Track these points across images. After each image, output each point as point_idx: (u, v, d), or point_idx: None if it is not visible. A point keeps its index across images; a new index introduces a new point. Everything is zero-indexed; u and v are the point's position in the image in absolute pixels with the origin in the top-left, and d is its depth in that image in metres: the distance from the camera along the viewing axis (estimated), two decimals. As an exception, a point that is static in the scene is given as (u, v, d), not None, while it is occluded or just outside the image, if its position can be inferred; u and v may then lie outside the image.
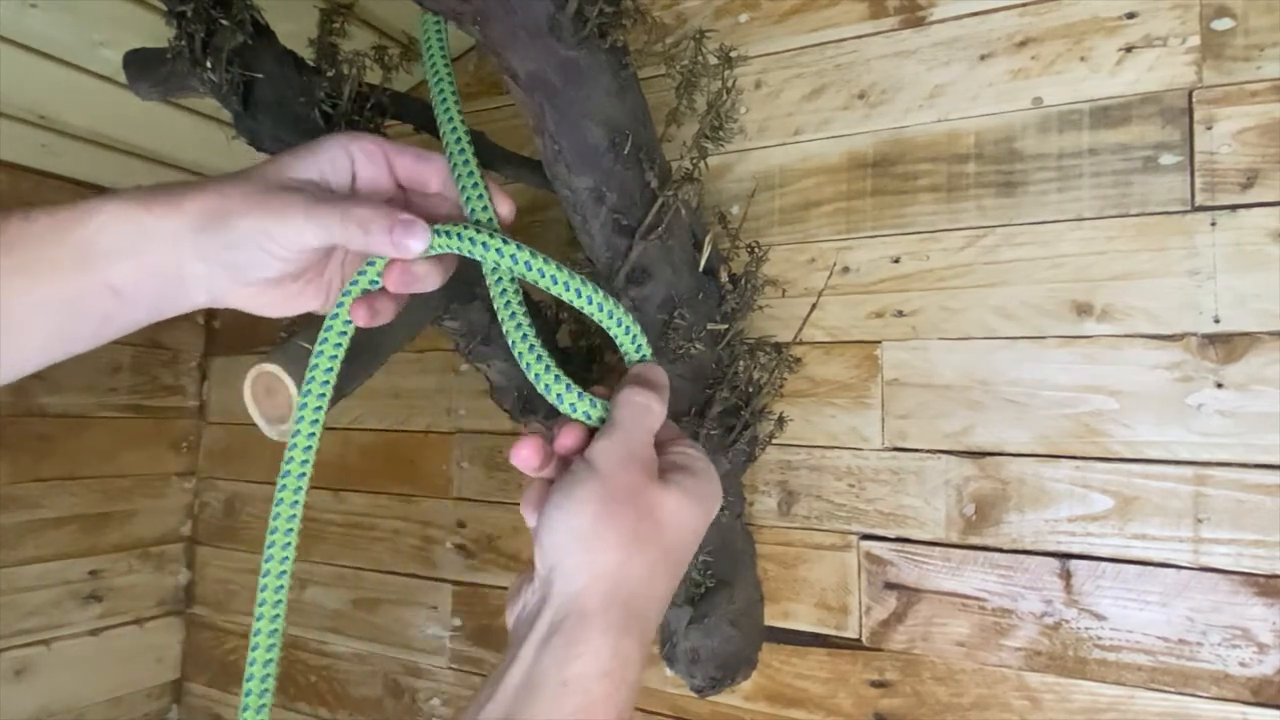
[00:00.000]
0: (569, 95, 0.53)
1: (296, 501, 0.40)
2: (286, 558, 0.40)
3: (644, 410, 0.37)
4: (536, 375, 0.38)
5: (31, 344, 0.36)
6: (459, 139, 0.43)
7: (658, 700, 0.87)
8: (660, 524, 0.34)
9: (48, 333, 0.36)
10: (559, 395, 0.37)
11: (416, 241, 0.38)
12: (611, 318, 0.39)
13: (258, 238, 0.37)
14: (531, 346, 0.38)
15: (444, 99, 0.45)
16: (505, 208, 0.42)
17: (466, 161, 0.42)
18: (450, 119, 0.44)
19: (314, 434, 0.40)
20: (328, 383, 0.40)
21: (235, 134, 0.65)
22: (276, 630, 0.40)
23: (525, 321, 0.39)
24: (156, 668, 1.28)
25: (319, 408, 0.40)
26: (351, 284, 0.40)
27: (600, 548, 0.32)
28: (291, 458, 0.39)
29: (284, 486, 0.40)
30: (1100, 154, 0.70)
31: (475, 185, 0.41)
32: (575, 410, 0.37)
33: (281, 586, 0.41)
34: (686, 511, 0.35)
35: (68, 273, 0.35)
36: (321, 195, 0.39)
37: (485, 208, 0.41)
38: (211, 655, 1.27)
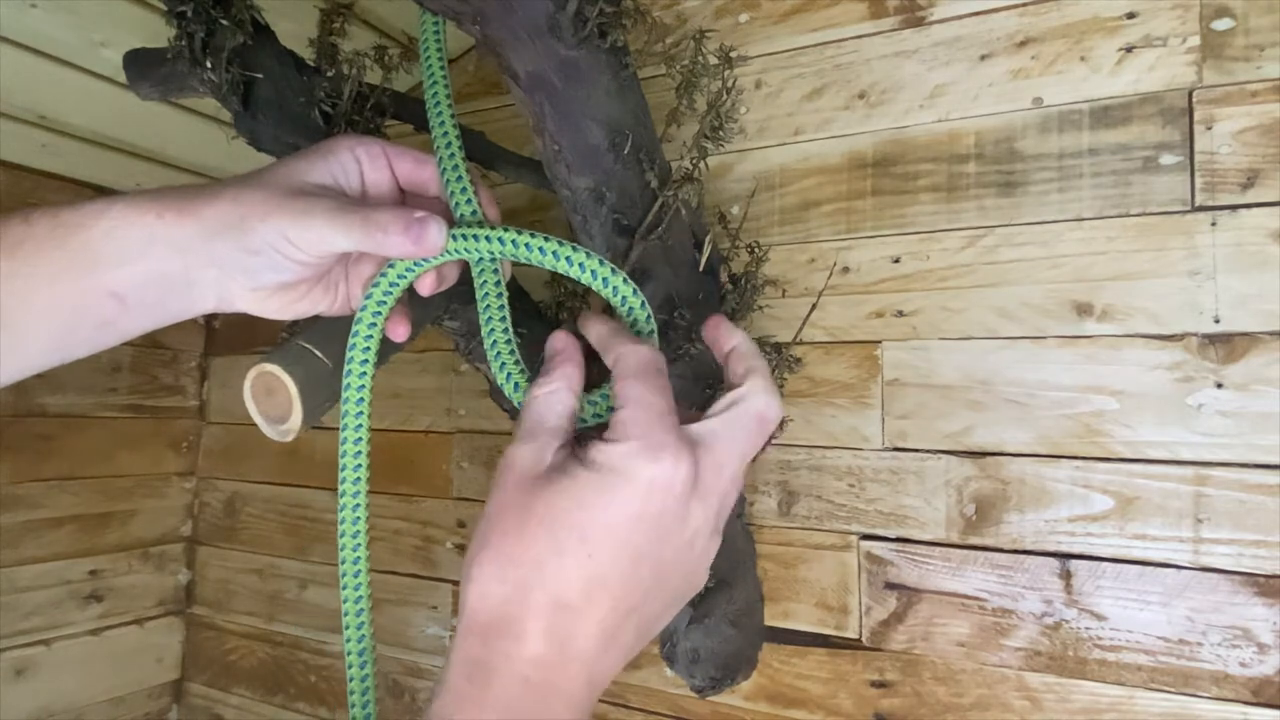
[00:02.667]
0: (569, 95, 0.53)
1: (359, 505, 0.41)
2: (359, 558, 0.41)
3: (529, 404, 0.34)
4: (501, 384, 0.38)
5: (30, 348, 0.35)
6: (449, 142, 0.43)
7: (658, 700, 0.87)
8: (527, 535, 0.30)
9: (46, 337, 0.35)
10: (519, 403, 0.37)
11: (434, 240, 0.38)
12: (606, 285, 0.39)
13: (277, 242, 0.36)
14: (499, 355, 0.39)
15: (437, 101, 0.45)
16: (492, 211, 0.43)
17: (456, 166, 0.43)
18: (442, 122, 0.44)
19: (361, 438, 0.41)
20: (364, 387, 0.41)
21: (235, 134, 0.65)
22: (365, 636, 0.41)
23: (500, 328, 0.40)
24: (157, 668, 1.28)
25: (359, 421, 0.41)
26: (374, 286, 0.41)
27: (466, 582, 0.31)
28: (345, 465, 0.41)
29: (344, 493, 0.41)
30: (1100, 154, 0.70)
31: (464, 190, 0.42)
32: None
33: (361, 597, 0.41)
34: (567, 512, 0.30)
35: (68, 277, 0.34)
36: (341, 200, 0.39)
37: (474, 211, 0.41)
38: (212, 655, 1.27)
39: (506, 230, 0.39)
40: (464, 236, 0.40)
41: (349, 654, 0.41)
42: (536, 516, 0.30)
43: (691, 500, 0.31)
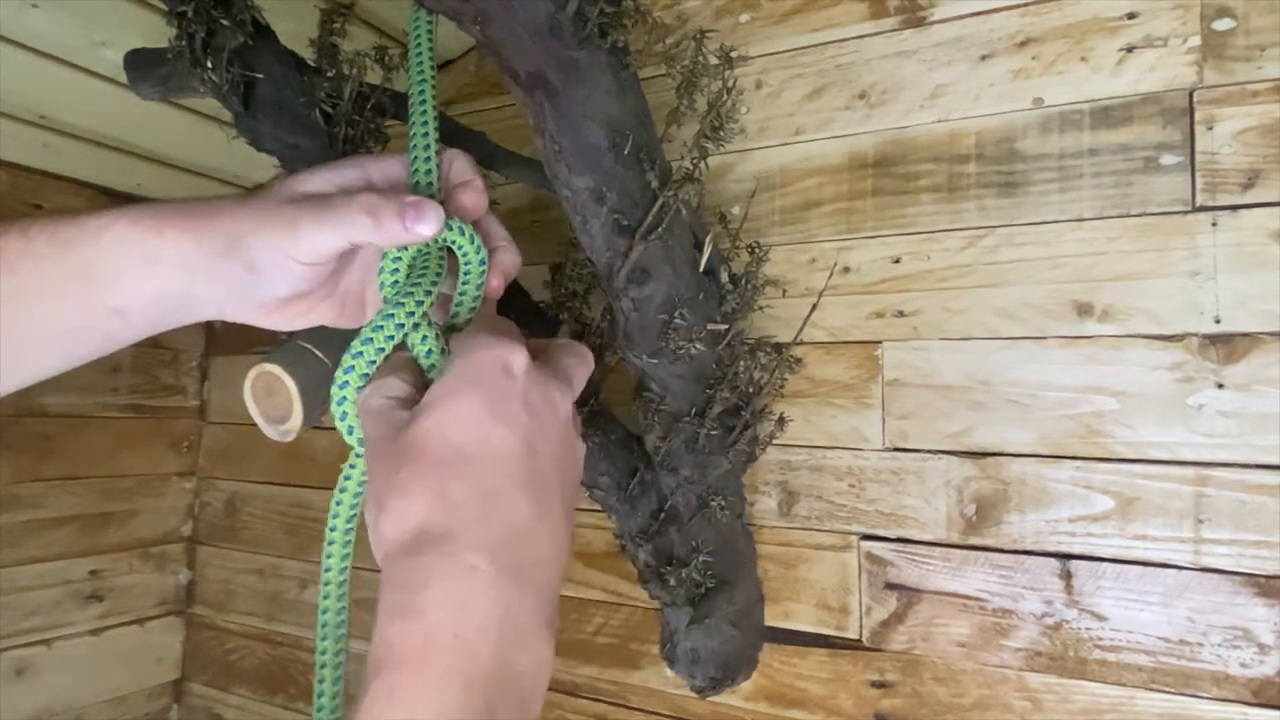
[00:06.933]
0: (569, 95, 0.53)
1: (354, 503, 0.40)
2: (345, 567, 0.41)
3: (375, 388, 0.36)
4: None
5: (30, 362, 0.35)
6: (425, 121, 0.43)
7: (658, 700, 0.87)
8: (418, 454, 0.31)
9: (48, 351, 0.35)
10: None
11: (427, 225, 0.37)
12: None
13: (273, 256, 0.36)
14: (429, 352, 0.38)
15: (423, 97, 0.45)
16: (471, 198, 0.42)
17: (426, 134, 0.42)
18: (424, 101, 0.44)
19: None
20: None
21: (236, 134, 0.65)
22: (342, 634, 0.41)
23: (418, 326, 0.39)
24: (157, 667, 1.28)
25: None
26: (457, 299, 0.40)
27: (378, 532, 0.31)
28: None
29: (343, 489, 0.40)
30: (1101, 154, 0.70)
31: (429, 161, 0.41)
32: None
33: (344, 595, 0.41)
34: (443, 416, 0.32)
35: (71, 295, 0.34)
36: (327, 198, 0.38)
37: (430, 184, 0.41)
38: (212, 655, 1.27)
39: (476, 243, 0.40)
40: (457, 229, 0.40)
41: (322, 657, 0.41)
42: (418, 438, 0.32)
43: (543, 383, 0.35)
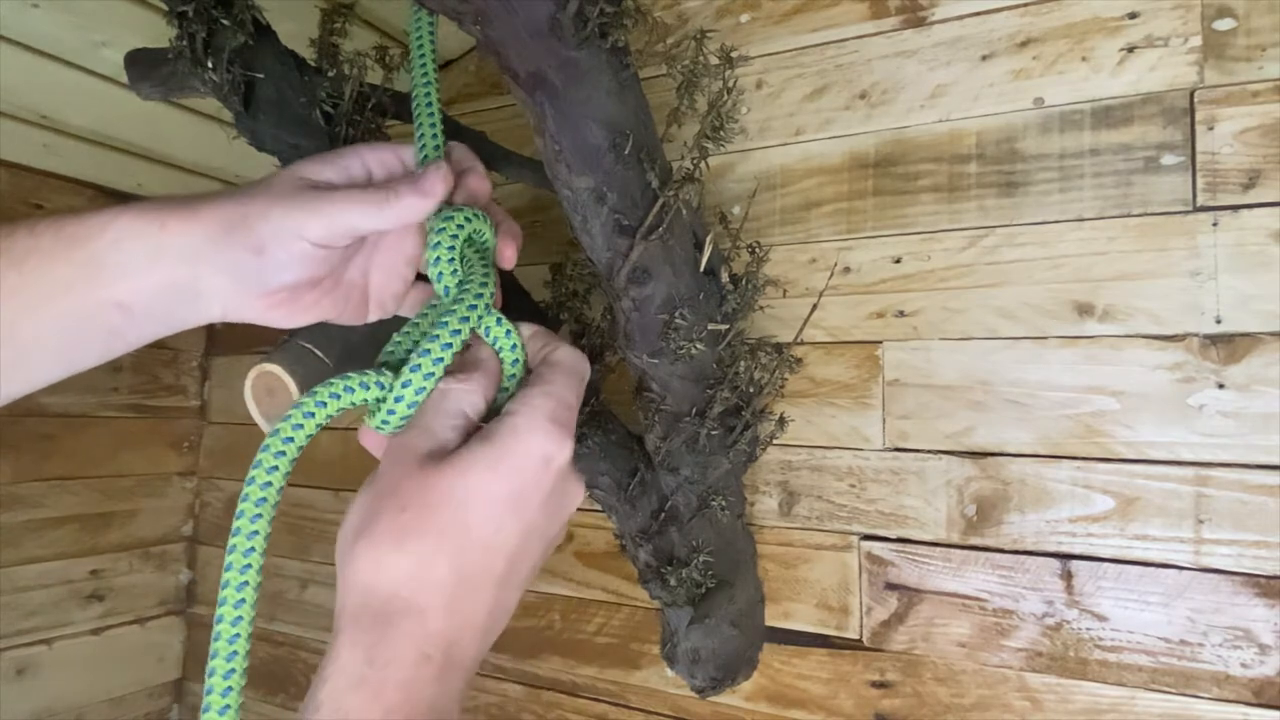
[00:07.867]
0: (570, 95, 0.53)
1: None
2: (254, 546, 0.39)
3: (440, 394, 0.35)
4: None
5: (37, 362, 0.35)
6: (434, 122, 0.45)
7: (658, 700, 0.87)
8: (430, 507, 0.31)
9: (53, 349, 0.35)
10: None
11: (438, 184, 0.38)
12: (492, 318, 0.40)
13: (282, 236, 0.36)
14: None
15: (430, 97, 0.46)
16: (476, 182, 0.43)
17: (435, 134, 0.44)
18: (429, 102, 0.46)
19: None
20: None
21: (236, 134, 0.65)
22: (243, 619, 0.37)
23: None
24: (158, 667, 1.28)
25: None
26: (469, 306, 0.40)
27: (352, 558, 0.31)
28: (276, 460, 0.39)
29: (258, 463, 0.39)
30: (1102, 154, 0.70)
31: (435, 143, 0.43)
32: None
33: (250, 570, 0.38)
34: (472, 485, 0.32)
35: (75, 290, 0.34)
36: (344, 186, 0.39)
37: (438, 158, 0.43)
38: (212, 655, 1.27)
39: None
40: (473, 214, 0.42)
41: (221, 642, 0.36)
42: (440, 491, 0.31)
43: (570, 479, 0.35)
